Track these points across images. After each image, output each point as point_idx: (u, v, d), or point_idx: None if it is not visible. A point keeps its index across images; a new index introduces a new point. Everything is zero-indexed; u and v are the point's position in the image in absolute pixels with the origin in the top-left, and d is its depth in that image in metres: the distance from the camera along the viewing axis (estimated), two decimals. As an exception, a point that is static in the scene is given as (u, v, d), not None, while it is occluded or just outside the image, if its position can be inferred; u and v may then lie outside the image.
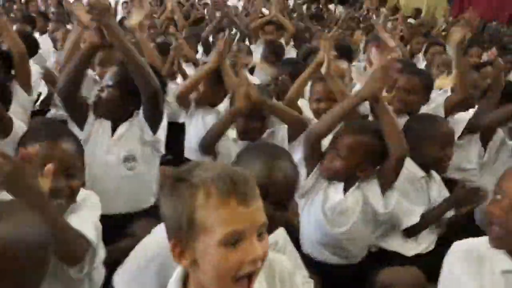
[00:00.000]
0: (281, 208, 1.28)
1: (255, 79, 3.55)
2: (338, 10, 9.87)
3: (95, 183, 2.00)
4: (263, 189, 0.93)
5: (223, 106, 2.56)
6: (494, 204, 1.29)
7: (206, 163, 0.94)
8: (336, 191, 1.83)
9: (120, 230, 1.90)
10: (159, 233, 1.14)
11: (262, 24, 4.70)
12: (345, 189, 1.83)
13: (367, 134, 1.79)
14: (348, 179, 1.82)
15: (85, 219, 1.33)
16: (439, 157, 2.02)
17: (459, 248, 1.36)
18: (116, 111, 2.05)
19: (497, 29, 7.24)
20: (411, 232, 1.98)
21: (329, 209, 1.82)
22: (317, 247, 1.86)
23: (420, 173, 2.04)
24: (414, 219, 1.95)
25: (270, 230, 1.13)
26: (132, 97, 2.02)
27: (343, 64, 2.98)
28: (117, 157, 2.03)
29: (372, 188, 1.82)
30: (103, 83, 2.07)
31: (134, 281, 1.27)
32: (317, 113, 2.42)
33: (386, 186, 1.82)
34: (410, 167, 1.98)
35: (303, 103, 2.58)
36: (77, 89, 1.94)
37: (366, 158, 1.78)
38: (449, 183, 2.21)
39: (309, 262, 1.79)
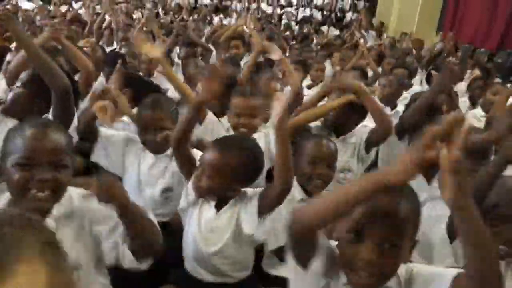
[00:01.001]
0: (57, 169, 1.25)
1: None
2: (331, 32, 9.91)
3: None
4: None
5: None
6: (354, 246, 1.03)
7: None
8: (209, 206, 1.73)
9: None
10: None
11: (229, 38, 4.57)
12: (219, 206, 1.72)
13: (234, 151, 1.64)
14: (220, 197, 1.71)
15: None
16: (308, 174, 1.90)
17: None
18: (22, 112, 2.11)
19: (483, 56, 7.20)
20: (279, 254, 1.87)
21: (204, 225, 1.73)
22: (193, 263, 1.76)
23: (298, 195, 1.93)
24: (281, 241, 1.78)
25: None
26: (39, 100, 2.10)
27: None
28: None
29: (249, 210, 1.68)
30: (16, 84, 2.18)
31: None
32: (236, 129, 2.37)
33: (264, 210, 1.67)
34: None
35: None
36: None
37: (235, 179, 1.64)
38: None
39: (189, 279, 1.76)
